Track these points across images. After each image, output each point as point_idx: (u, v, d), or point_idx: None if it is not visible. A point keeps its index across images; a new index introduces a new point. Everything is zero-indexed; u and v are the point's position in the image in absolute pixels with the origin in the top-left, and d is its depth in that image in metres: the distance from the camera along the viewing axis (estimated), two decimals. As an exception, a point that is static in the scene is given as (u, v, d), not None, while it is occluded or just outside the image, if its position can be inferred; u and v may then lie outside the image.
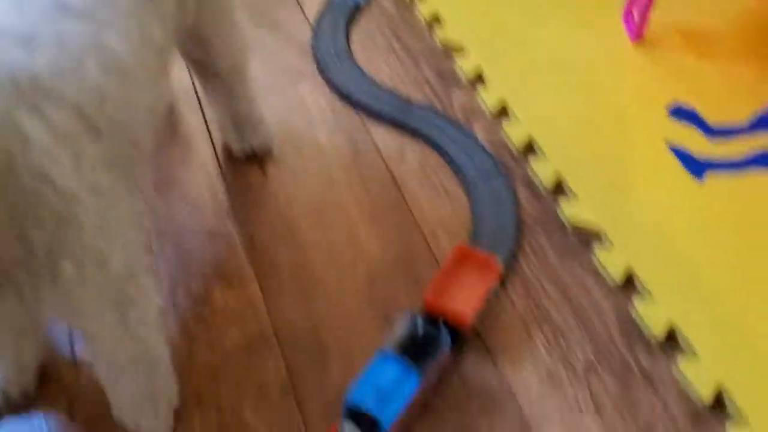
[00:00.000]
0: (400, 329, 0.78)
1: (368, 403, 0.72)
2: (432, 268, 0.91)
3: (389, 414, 0.72)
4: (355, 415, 0.71)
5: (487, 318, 0.87)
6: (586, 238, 0.96)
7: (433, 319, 0.82)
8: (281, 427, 0.78)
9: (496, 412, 0.79)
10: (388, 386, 0.73)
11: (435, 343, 0.77)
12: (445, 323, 0.82)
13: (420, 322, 0.78)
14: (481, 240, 0.94)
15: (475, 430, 0.78)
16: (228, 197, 1.02)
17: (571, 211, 0.97)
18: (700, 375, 0.80)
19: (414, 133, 1.09)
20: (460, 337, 0.83)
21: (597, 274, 0.92)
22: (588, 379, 0.82)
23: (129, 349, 0.70)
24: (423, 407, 0.79)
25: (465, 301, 0.83)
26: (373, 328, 0.86)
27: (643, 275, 0.90)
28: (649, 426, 0.78)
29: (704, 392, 0.79)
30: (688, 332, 0.84)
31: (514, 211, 0.98)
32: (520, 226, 0.97)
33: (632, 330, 0.86)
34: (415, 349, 0.76)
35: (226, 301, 0.89)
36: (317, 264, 0.93)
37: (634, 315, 0.87)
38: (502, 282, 0.90)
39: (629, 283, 0.91)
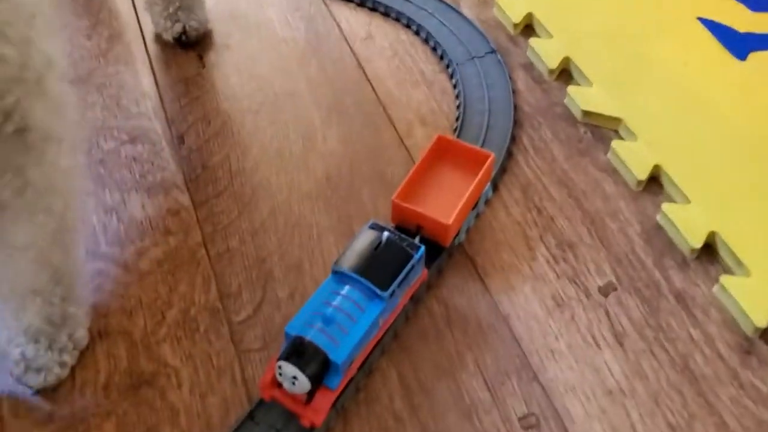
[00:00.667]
0: (359, 242, 0.59)
1: (315, 335, 0.54)
2: (406, 170, 0.72)
3: (343, 348, 0.54)
4: (299, 350, 0.53)
5: (476, 228, 0.69)
6: (600, 131, 0.77)
7: (404, 229, 0.64)
8: (209, 364, 0.60)
9: (487, 345, 0.61)
10: (341, 313, 0.55)
11: (405, 259, 0.58)
12: (420, 235, 0.64)
13: (386, 233, 0.59)
14: (468, 133, 0.75)
15: (459, 367, 0.60)
16: (157, 92, 0.82)
17: (583, 98, 0.77)
18: (750, 294, 0.62)
19: (386, 12, 0.89)
20: (439, 252, 0.65)
21: (615, 174, 0.73)
22: (605, 302, 0.64)
23: (53, 263, 0.57)
24: (392, 339, 0.61)
25: (446, 205, 0.64)
26: (329, 242, 0.68)
27: (674, 173, 0.71)
28: (684, 360, 0.60)
29: (757, 316, 0.61)
30: (734, 243, 0.66)
31: (510, 99, 0.78)
32: (516, 116, 0.78)
33: (661, 241, 0.68)
34: (379, 267, 0.57)
35: (146, 212, 0.71)
36: (262, 165, 0.74)
37: (663, 222, 0.69)
38: (494, 184, 0.72)
39: (656, 184, 0.72)
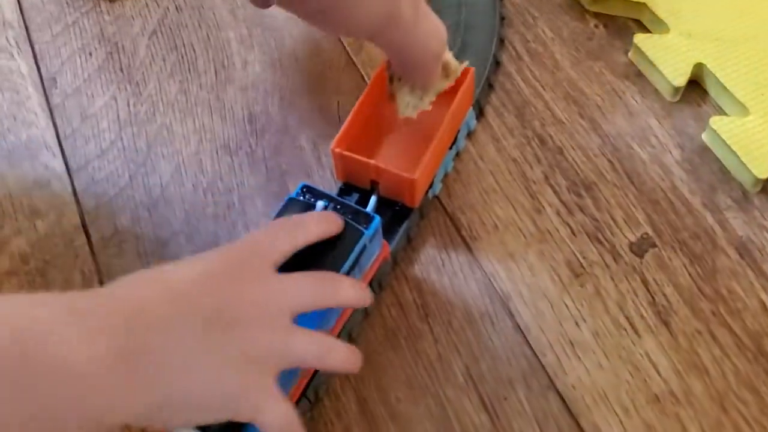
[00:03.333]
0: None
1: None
2: (358, 97, 0.52)
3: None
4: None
5: (456, 173, 0.50)
6: (617, 23, 0.57)
7: (350, 187, 0.45)
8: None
9: (481, 342, 0.44)
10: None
11: (351, 239, 0.40)
12: (377, 193, 0.45)
13: (320, 202, 0.41)
14: (439, 40, 0.55)
15: (444, 379, 0.43)
16: (20, 17, 0.61)
17: (590, -22, 0.57)
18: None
19: None
20: (406, 213, 0.46)
21: (640, 81, 0.54)
22: (641, 265, 0.46)
23: None
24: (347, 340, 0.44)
25: (411, 149, 0.46)
26: (256, 210, 0.49)
27: (724, 74, 0.51)
28: (757, 342, 0.43)
29: None
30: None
31: (493, -13, 0.58)
32: (503, 10, 0.57)
33: (710, 170, 0.49)
34: (311, 257, 0.39)
35: (6, 187, 0.52)
36: (161, 108, 0.54)
37: (711, 142, 0.50)
38: (478, 108, 0.52)
39: (698, 91, 0.53)
